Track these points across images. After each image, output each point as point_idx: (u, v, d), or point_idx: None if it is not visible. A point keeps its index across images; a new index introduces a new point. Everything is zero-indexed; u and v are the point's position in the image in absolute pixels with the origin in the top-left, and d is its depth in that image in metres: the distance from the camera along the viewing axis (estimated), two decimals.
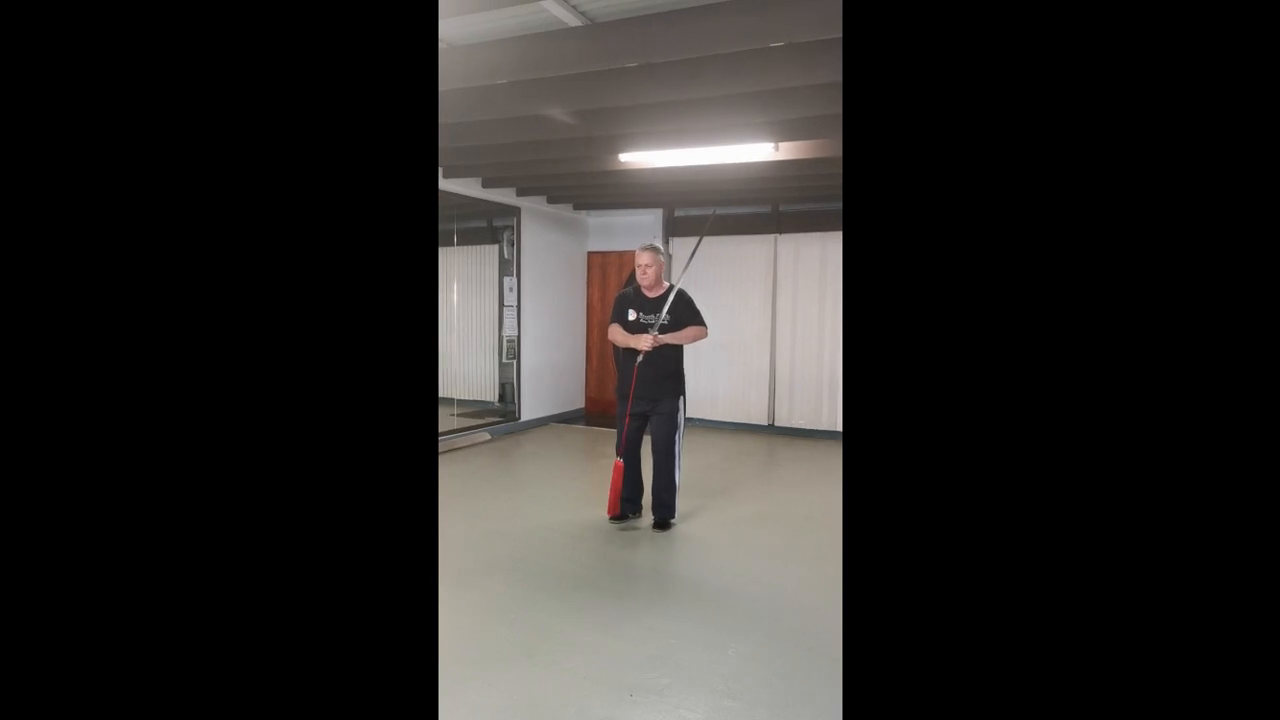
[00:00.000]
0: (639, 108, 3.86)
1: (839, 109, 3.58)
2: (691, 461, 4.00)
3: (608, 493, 4.19)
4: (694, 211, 7.18)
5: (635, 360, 3.87)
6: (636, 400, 3.91)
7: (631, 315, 3.94)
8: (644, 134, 4.45)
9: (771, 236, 6.77)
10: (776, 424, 6.88)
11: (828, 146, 4.50)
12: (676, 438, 3.92)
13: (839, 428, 6.60)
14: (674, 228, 7.24)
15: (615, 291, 7.73)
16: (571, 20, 3.01)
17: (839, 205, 6.49)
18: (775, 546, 3.76)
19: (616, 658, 2.55)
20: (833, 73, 3.09)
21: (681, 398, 3.97)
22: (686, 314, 3.90)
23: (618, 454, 4.03)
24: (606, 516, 4.14)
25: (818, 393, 6.69)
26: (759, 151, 4.51)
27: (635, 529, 4.06)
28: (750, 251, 6.88)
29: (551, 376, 7.36)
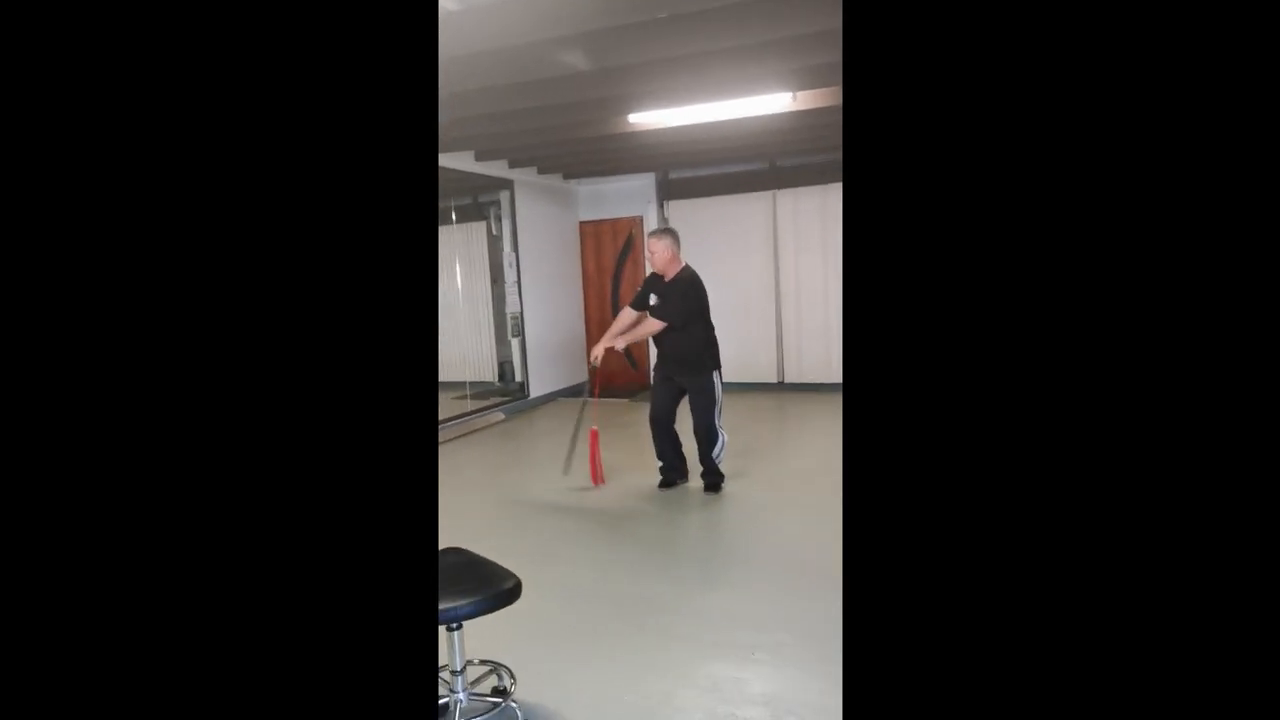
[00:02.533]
0: (653, 63, 3.74)
1: None
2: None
3: (588, 463, 4.19)
4: (690, 173, 7.07)
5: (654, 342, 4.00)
6: (660, 370, 4.01)
7: (653, 300, 3.96)
8: (655, 91, 4.32)
9: (770, 193, 6.71)
10: (786, 381, 6.89)
11: (838, 94, 4.44)
12: (715, 413, 3.94)
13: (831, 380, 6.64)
14: (669, 190, 7.13)
15: (611, 260, 7.64)
16: None
17: (838, 155, 6.45)
18: (825, 502, 3.76)
19: (722, 619, 2.52)
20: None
21: (714, 374, 3.95)
22: (667, 305, 3.88)
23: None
24: (588, 487, 4.14)
25: (826, 346, 6.71)
26: (777, 103, 4.41)
27: (685, 490, 4.03)
28: (749, 209, 6.81)
29: (555, 351, 7.25)
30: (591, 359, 4.05)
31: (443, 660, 2.03)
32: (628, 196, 7.38)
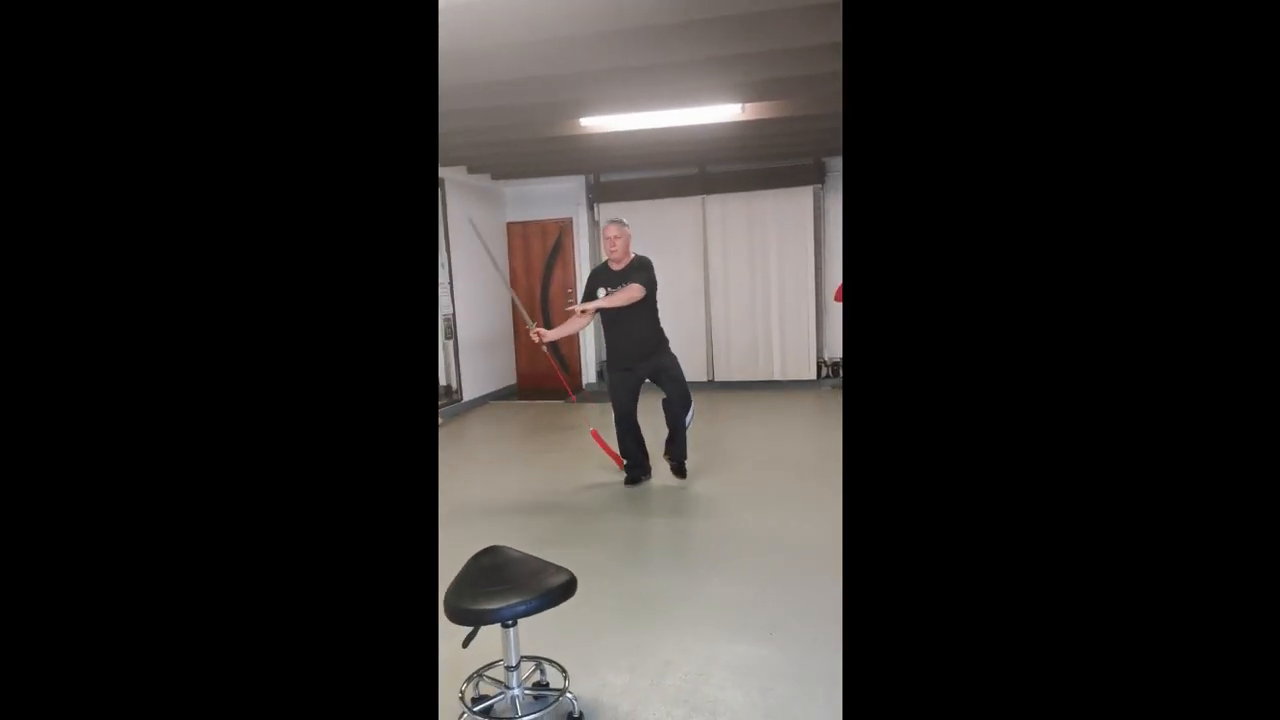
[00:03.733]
0: (607, 71, 3.83)
1: (804, 70, 3.75)
2: (657, 421, 4.29)
3: (607, 456, 4.34)
4: (622, 176, 7.18)
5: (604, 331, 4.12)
6: (620, 364, 4.09)
7: (602, 293, 4.04)
8: (606, 98, 4.41)
9: (699, 198, 6.93)
10: (716, 379, 7.13)
11: (786, 107, 4.70)
12: (688, 389, 4.12)
13: (775, 377, 6.96)
14: (600, 193, 7.21)
15: (540, 261, 7.62)
16: None
17: (770, 164, 6.75)
18: (791, 493, 3.98)
19: (730, 605, 2.66)
20: (799, 39, 3.26)
21: (668, 351, 4.15)
22: (634, 276, 4.01)
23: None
24: (620, 475, 4.26)
25: (753, 346, 7.01)
26: (726, 112, 4.61)
27: (649, 487, 4.15)
28: (679, 213, 7.00)
29: (486, 354, 7.16)
30: (583, 318, 4.10)
31: (497, 657, 2.05)
32: (556, 198, 7.40)
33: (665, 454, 4.25)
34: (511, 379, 7.72)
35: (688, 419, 4.16)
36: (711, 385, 7.11)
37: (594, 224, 7.21)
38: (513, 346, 7.74)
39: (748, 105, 4.59)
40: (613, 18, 3.05)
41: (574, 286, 7.53)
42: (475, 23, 3.11)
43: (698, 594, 2.77)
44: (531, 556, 2.06)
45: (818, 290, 6.82)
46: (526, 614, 1.86)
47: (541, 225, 7.51)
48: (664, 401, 4.13)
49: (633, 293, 3.92)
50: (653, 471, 4.27)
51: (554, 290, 7.61)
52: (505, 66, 3.57)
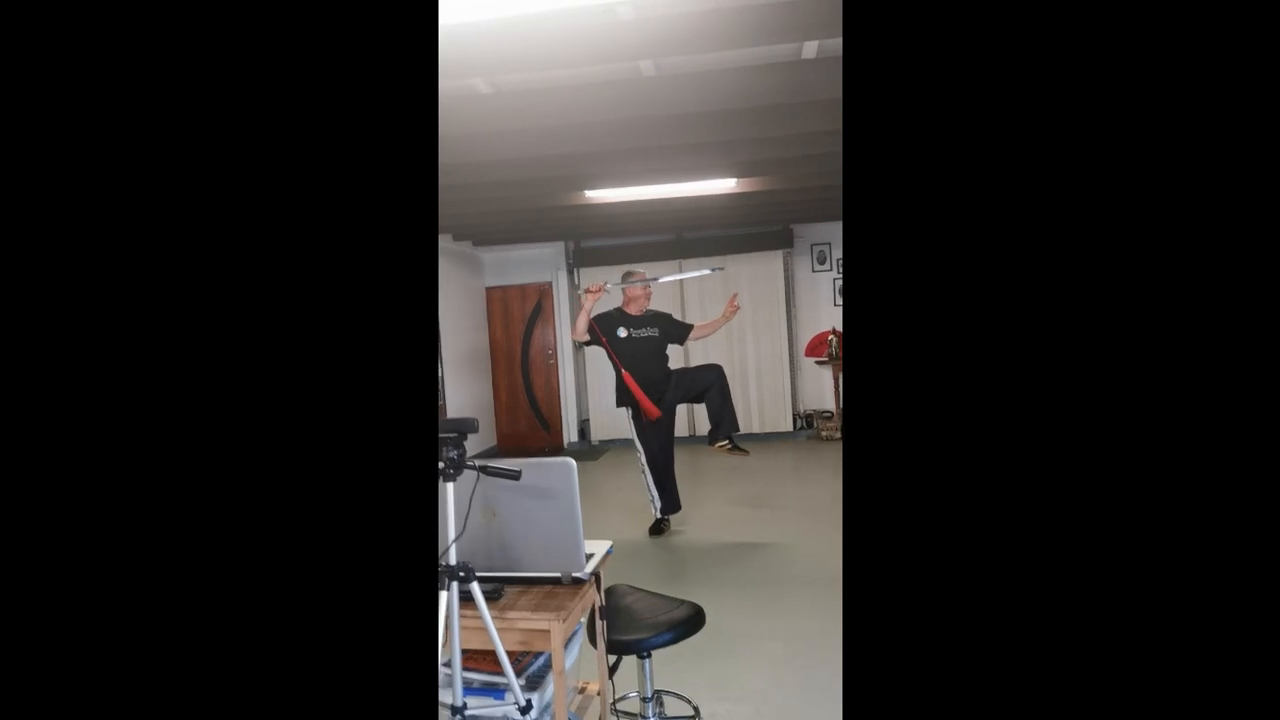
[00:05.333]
0: (610, 153, 4.20)
1: (780, 153, 4.25)
2: (638, 478, 4.57)
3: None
4: (602, 242, 7.51)
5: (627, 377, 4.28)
6: (656, 402, 4.28)
7: (623, 333, 4.34)
8: (613, 173, 4.75)
9: (676, 261, 7.32)
10: (697, 434, 7.41)
11: (761, 183, 5.18)
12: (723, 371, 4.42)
13: (754, 429, 7.29)
14: (581, 258, 7.51)
15: (520, 325, 7.81)
16: (648, 71, 3.30)
17: (742, 230, 7.22)
18: (803, 529, 4.25)
19: (804, 638, 2.87)
20: (784, 128, 3.76)
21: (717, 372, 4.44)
22: (671, 322, 4.47)
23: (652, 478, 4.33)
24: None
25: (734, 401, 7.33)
26: (722, 185, 5.03)
27: (676, 533, 4.35)
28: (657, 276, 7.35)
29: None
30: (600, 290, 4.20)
31: (633, 689, 2.19)
32: (535, 263, 7.66)
33: (715, 444, 4.33)
34: (492, 441, 7.78)
35: (731, 438, 4.35)
36: (693, 439, 7.38)
37: (574, 287, 7.48)
38: (493, 409, 7.82)
39: (740, 180, 5.02)
40: (614, 108, 3.44)
41: (554, 348, 7.74)
42: (480, 113, 3.44)
43: (769, 628, 2.97)
44: (656, 593, 2.24)
45: (791, 346, 7.25)
46: (659, 646, 2.04)
47: (521, 289, 7.73)
48: (706, 395, 4.32)
49: (715, 324, 4.46)
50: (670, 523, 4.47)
51: (534, 351, 7.79)
52: (506, 147, 3.87)
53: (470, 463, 1.41)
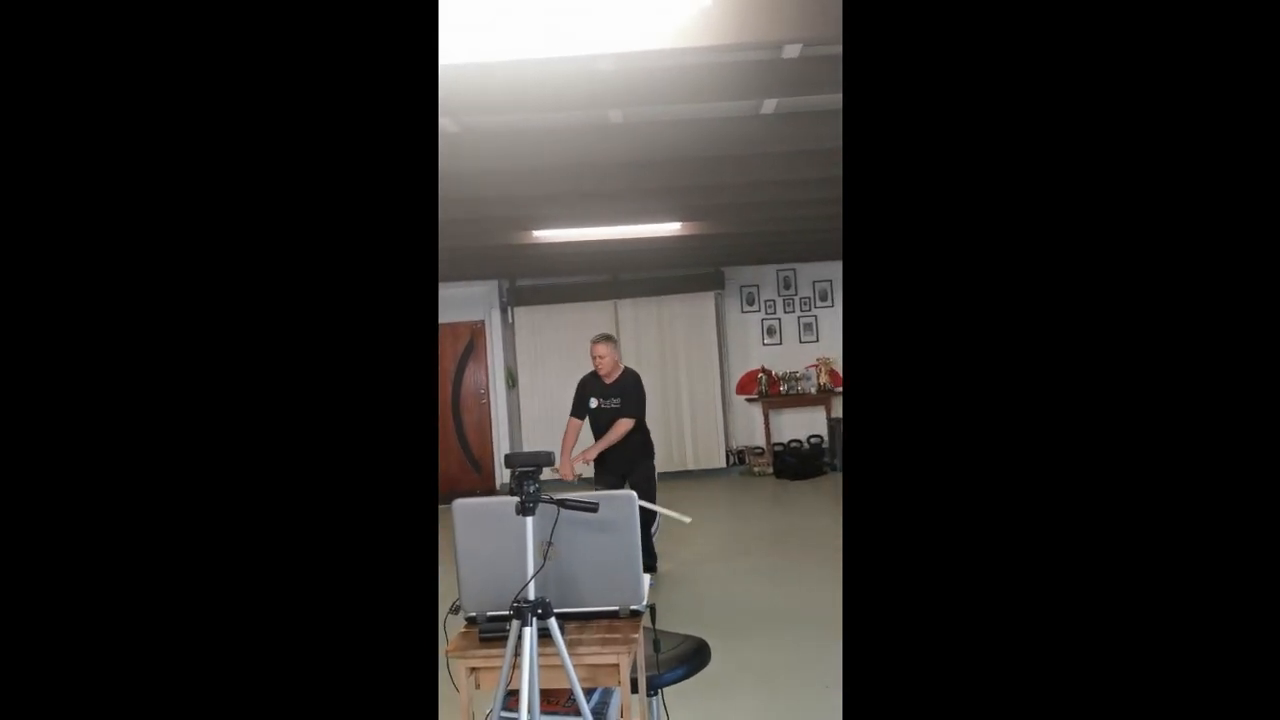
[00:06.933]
0: (572, 194, 4.29)
1: (732, 200, 4.45)
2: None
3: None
4: (537, 281, 7.51)
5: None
6: (615, 470, 4.32)
7: (594, 403, 4.35)
8: (562, 215, 4.82)
9: (611, 302, 7.42)
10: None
11: (709, 225, 5.39)
12: (654, 494, 4.35)
13: (689, 466, 7.39)
14: (517, 297, 7.48)
15: (452, 363, 7.66)
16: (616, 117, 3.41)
17: (675, 272, 7.41)
18: (773, 565, 4.36)
19: (802, 665, 2.95)
20: (733, 177, 3.96)
21: (652, 460, 4.45)
22: (629, 402, 4.36)
23: None
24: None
25: (668, 440, 7.42)
26: (667, 228, 5.19)
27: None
28: (593, 316, 7.42)
29: None
30: (575, 475, 4.19)
31: None
32: (466, 301, 7.57)
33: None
34: None
35: (654, 530, 4.39)
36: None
37: (508, 326, 7.44)
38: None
39: (684, 224, 5.21)
40: (577, 154, 3.54)
41: (486, 387, 7.63)
42: (442, 152, 3.46)
43: (788, 662, 3.03)
44: (660, 629, 2.25)
45: (723, 384, 7.45)
46: (671, 682, 2.06)
47: (453, 328, 7.60)
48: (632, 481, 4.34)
49: (624, 428, 4.22)
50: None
51: (465, 391, 7.65)
52: (463, 186, 3.89)
53: (547, 497, 1.42)
